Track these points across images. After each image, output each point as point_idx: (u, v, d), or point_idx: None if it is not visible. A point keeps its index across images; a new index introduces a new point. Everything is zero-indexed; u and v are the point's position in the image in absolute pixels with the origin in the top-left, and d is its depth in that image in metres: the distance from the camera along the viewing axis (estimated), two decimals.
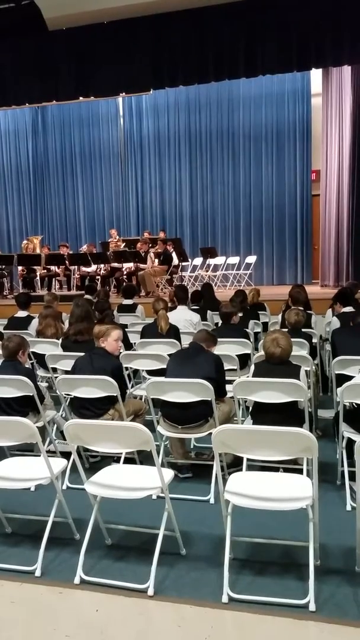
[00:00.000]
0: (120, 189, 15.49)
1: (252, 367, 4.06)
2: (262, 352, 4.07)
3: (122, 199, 15.50)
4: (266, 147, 14.06)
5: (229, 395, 4.11)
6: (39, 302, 7.88)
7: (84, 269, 12.70)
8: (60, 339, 5.41)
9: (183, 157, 14.83)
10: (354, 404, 3.79)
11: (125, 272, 12.14)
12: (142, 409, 4.41)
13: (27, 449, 4.00)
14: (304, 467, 3.33)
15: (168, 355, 4.83)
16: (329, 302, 7.20)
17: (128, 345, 5.74)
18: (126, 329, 6.13)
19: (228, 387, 4.07)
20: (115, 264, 12.22)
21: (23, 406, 4.02)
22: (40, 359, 5.47)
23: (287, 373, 3.69)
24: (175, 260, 12.21)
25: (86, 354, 4.26)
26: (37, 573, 2.90)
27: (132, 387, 5.38)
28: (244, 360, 5.13)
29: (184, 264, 12.83)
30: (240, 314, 6.13)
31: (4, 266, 12.67)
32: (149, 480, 2.91)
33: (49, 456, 3.10)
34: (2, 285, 12.60)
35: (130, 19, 9.74)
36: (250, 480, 2.94)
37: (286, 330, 5.17)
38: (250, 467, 3.53)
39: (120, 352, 4.67)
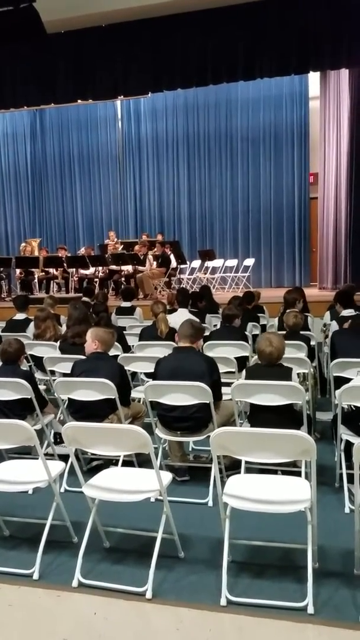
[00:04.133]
0: (118, 191, 15.50)
1: (244, 372, 4.06)
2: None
3: (120, 202, 15.51)
4: (264, 150, 14.08)
5: (228, 397, 4.09)
6: (37, 304, 7.87)
7: (82, 271, 12.70)
8: (59, 342, 5.40)
9: (181, 160, 14.85)
10: (352, 406, 3.79)
11: (123, 275, 12.14)
12: (140, 412, 4.40)
13: (25, 452, 3.99)
14: (302, 470, 3.33)
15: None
16: (327, 305, 7.22)
17: (126, 348, 5.73)
18: (124, 332, 6.14)
19: (227, 389, 4.05)
20: (114, 267, 12.23)
21: (21, 409, 4.02)
22: (38, 362, 5.46)
23: (279, 375, 3.70)
24: (174, 263, 12.22)
25: (92, 357, 4.24)
26: (35, 576, 2.89)
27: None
28: (242, 362, 5.12)
29: (182, 266, 12.84)
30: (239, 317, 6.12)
31: (2, 268, 12.65)
32: (147, 483, 2.91)
33: (46, 459, 3.09)
34: (0, 288, 12.60)
35: (128, 22, 9.76)
36: (248, 483, 2.93)
37: (285, 332, 5.18)
38: (249, 470, 3.53)
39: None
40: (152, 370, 4.89)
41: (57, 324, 6.04)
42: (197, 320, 4.32)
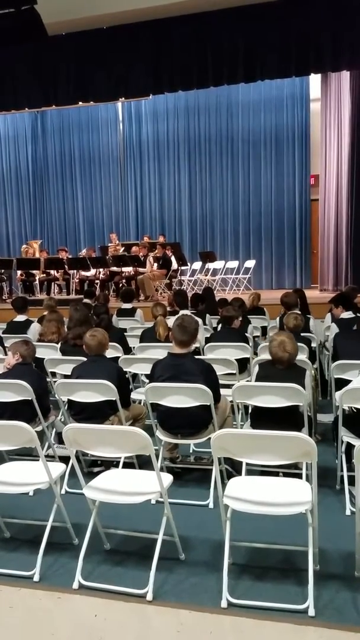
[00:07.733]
0: (119, 193, 15.52)
1: (256, 368, 4.03)
2: (262, 357, 4.05)
3: (121, 204, 15.54)
4: (265, 152, 14.10)
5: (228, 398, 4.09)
6: (37, 306, 7.87)
7: (83, 273, 12.71)
8: (60, 343, 5.41)
9: (182, 162, 14.87)
10: (353, 409, 3.79)
11: (124, 277, 12.15)
12: (141, 413, 4.40)
13: (25, 454, 3.98)
14: (303, 472, 3.32)
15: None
16: (328, 306, 7.21)
17: (127, 350, 5.73)
18: (125, 333, 6.13)
19: (228, 391, 4.03)
20: (115, 268, 12.24)
21: (27, 410, 4.01)
22: (39, 363, 5.46)
23: (292, 377, 3.65)
24: (175, 265, 12.23)
25: (87, 361, 4.24)
26: (36, 578, 2.89)
27: (131, 391, 5.36)
28: (242, 364, 5.12)
29: (183, 268, 12.85)
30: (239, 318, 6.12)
31: (3, 270, 12.68)
32: (148, 485, 2.90)
33: (47, 461, 3.09)
34: (2, 290, 12.62)
35: (129, 24, 9.77)
36: (249, 485, 2.93)
37: None
38: (250, 472, 3.53)
39: None
40: None
41: (62, 326, 6.01)
42: (189, 318, 3.99)
